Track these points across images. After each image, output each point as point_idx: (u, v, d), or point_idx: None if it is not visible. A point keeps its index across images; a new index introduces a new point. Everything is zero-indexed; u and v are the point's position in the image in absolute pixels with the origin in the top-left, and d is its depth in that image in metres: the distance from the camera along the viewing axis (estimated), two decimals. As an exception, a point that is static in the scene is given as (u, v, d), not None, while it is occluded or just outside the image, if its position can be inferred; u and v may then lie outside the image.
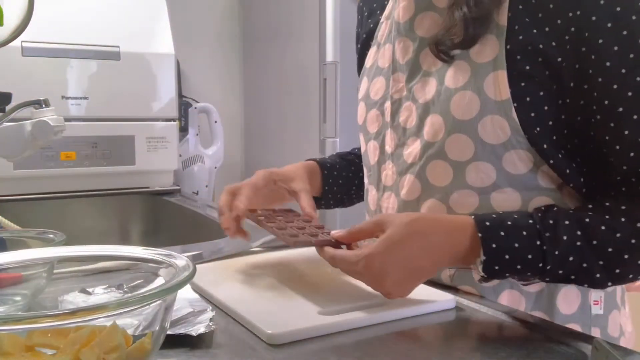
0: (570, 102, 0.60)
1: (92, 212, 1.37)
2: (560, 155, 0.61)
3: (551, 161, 0.61)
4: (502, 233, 0.56)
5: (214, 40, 2.03)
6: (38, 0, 0.81)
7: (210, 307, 0.57)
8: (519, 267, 0.56)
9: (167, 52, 1.42)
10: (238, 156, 2.08)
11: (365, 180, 0.80)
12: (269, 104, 1.88)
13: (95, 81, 1.33)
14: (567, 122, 0.60)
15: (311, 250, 0.81)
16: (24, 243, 0.64)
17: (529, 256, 0.56)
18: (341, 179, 0.88)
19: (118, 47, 1.35)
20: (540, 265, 0.56)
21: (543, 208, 0.60)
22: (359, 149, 0.93)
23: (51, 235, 0.63)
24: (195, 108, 1.73)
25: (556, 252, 0.56)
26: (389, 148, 0.72)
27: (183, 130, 1.69)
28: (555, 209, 0.59)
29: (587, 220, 0.57)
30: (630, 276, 0.58)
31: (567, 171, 0.61)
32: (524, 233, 0.56)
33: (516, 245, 0.56)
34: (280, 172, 0.79)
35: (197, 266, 0.47)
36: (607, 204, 0.59)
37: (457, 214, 0.64)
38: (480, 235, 0.56)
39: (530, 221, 0.57)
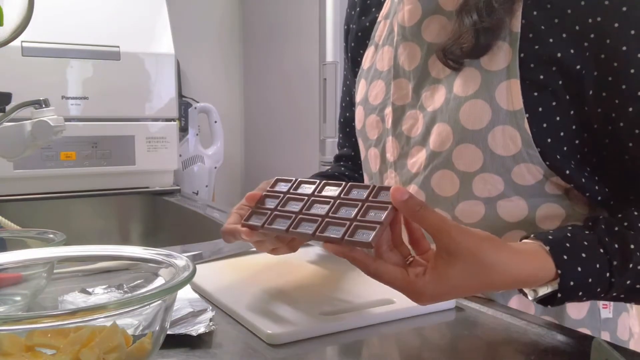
0: (588, 111, 0.58)
1: (92, 212, 1.37)
2: (572, 166, 0.59)
3: (563, 172, 0.59)
4: (580, 269, 0.52)
5: (214, 40, 2.04)
6: (38, 0, 0.81)
7: (210, 307, 0.57)
8: (584, 298, 0.54)
9: (167, 52, 1.42)
10: (238, 156, 2.08)
11: None
12: (269, 103, 1.88)
13: (95, 81, 1.33)
14: (579, 133, 0.59)
15: (311, 250, 0.81)
16: (24, 243, 0.64)
17: (598, 289, 0.53)
18: None
19: (118, 47, 1.35)
20: (602, 295, 0.54)
21: (606, 229, 0.54)
22: (344, 160, 0.91)
23: (51, 235, 0.63)
24: (195, 108, 1.73)
25: (620, 280, 0.53)
26: (390, 157, 0.70)
27: (183, 130, 1.70)
28: (616, 229, 0.54)
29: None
30: None
31: (579, 180, 0.60)
32: (597, 265, 0.52)
33: (590, 280, 0.52)
34: None
35: (197, 266, 0.47)
36: None
37: (462, 223, 0.61)
38: (559, 275, 0.51)
39: (602, 250, 0.53)
